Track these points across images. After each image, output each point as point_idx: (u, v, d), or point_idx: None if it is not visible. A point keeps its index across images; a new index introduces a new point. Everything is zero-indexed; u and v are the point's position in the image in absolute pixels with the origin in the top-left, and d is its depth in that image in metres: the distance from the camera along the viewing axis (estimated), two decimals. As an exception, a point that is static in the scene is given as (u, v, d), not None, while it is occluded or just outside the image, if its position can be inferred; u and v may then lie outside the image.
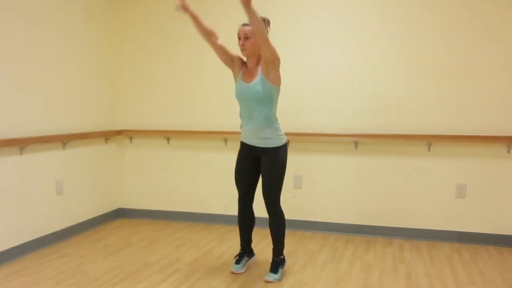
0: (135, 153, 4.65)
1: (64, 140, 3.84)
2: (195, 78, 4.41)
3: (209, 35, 2.96)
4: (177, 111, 4.46)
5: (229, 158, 4.14)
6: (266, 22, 2.94)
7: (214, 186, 4.40)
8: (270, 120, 2.94)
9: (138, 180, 4.66)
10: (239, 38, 2.89)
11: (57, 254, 3.53)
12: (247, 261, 3.24)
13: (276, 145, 2.95)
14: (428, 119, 3.85)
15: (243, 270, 3.17)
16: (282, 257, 3.10)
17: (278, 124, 3.01)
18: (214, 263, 3.35)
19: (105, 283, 2.96)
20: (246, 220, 3.20)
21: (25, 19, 3.48)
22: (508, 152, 3.73)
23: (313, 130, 4.08)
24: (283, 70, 3.89)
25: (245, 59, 3.02)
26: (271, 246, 3.14)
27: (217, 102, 4.30)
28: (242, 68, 3.02)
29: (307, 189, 4.18)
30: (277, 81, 2.88)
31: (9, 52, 3.35)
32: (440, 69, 3.81)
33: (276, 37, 4.11)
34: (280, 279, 3.01)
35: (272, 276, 3.00)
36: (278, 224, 3.04)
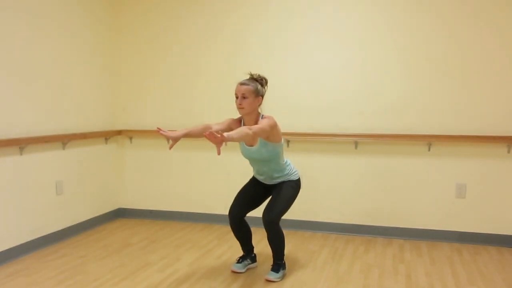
0: (135, 153, 4.64)
1: (64, 140, 3.84)
2: (195, 78, 4.41)
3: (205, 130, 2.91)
4: (177, 111, 4.46)
5: (229, 158, 4.15)
6: (264, 82, 2.97)
7: (214, 186, 4.40)
8: (281, 168, 3.04)
9: (138, 180, 4.66)
10: (237, 97, 2.90)
11: (57, 254, 3.53)
12: (249, 263, 3.25)
13: (291, 179, 3.07)
14: (428, 119, 3.85)
15: (243, 270, 3.18)
16: (283, 262, 3.11)
17: (289, 165, 3.09)
18: (214, 263, 3.35)
19: (105, 283, 2.96)
20: (242, 233, 3.20)
21: (26, 19, 3.48)
22: (508, 152, 3.73)
23: (313, 130, 4.08)
24: (283, 69, 3.90)
25: (239, 115, 3.02)
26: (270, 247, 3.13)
27: (217, 102, 4.29)
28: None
29: (307, 189, 4.16)
30: (278, 139, 2.94)
31: (9, 52, 3.35)
32: (440, 69, 3.81)
33: (276, 37, 4.13)
34: (280, 279, 3.02)
35: (273, 275, 3.01)
36: (277, 239, 3.03)
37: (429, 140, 3.84)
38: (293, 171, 3.11)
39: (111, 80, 4.54)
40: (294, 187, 3.07)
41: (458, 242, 3.86)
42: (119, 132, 4.55)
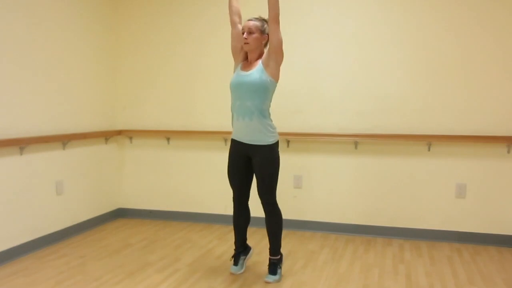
0: (135, 153, 4.64)
1: (64, 140, 3.84)
2: (195, 78, 4.41)
3: (235, 13, 3.06)
4: (177, 111, 4.46)
5: (229, 158, 4.15)
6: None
7: (214, 186, 4.40)
8: (263, 114, 2.90)
9: (138, 180, 4.66)
10: (243, 32, 2.93)
11: (57, 254, 3.53)
12: (245, 259, 3.23)
13: (268, 143, 2.91)
14: (428, 119, 3.85)
15: (242, 271, 3.17)
16: (279, 256, 3.08)
17: (271, 120, 2.98)
18: (214, 263, 3.35)
19: (105, 283, 2.96)
20: (242, 217, 3.18)
21: (25, 19, 3.48)
22: (508, 152, 3.73)
23: (313, 130, 4.08)
24: (283, 69, 3.88)
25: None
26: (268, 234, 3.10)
27: (217, 102, 4.30)
28: (244, 61, 3.05)
29: (307, 189, 4.18)
30: (275, 75, 2.90)
31: (9, 52, 3.35)
32: (440, 69, 3.81)
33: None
34: (279, 280, 3.01)
35: (271, 278, 3.00)
36: (275, 221, 3.02)
37: (429, 140, 3.84)
38: (273, 128, 2.95)
39: (111, 80, 4.54)
40: (274, 155, 2.93)
41: (458, 242, 3.86)
42: (119, 132, 4.55)
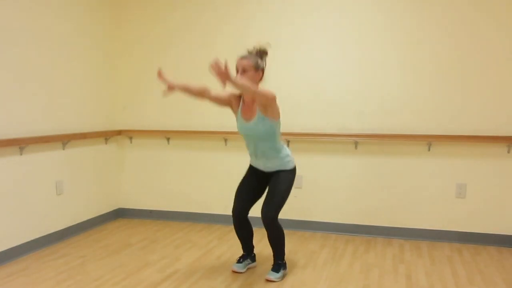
0: (135, 153, 4.64)
1: (64, 140, 3.84)
2: (195, 78, 4.39)
3: (201, 94, 2.92)
4: (177, 111, 4.46)
5: (229, 158, 4.15)
6: (264, 54, 2.96)
7: (214, 186, 4.40)
8: (277, 149, 2.97)
9: (138, 180, 4.66)
10: (237, 71, 2.88)
11: (57, 254, 3.53)
12: (249, 263, 3.25)
13: (287, 168, 2.99)
14: (428, 119, 3.85)
15: (244, 270, 3.18)
16: (284, 261, 3.10)
17: (285, 149, 3.03)
18: (214, 263, 3.35)
19: (105, 283, 2.96)
20: (245, 230, 3.19)
21: (25, 19, 3.48)
22: (508, 152, 3.73)
23: (313, 130, 4.08)
24: (283, 69, 3.90)
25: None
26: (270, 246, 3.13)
27: (217, 102, 4.29)
28: (240, 103, 3.01)
29: (307, 189, 4.18)
30: (276, 116, 2.89)
31: (8, 52, 3.35)
32: (440, 69, 3.81)
33: (276, 37, 4.12)
34: (281, 279, 3.01)
35: (274, 275, 3.00)
36: (277, 236, 3.01)
37: (429, 140, 3.84)
38: (289, 157, 3.02)
39: (111, 80, 4.53)
40: (290, 178, 3.00)
41: (458, 242, 3.86)
42: (119, 132, 4.55)
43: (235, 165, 4.08)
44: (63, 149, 3.88)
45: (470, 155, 3.81)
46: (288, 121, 4.06)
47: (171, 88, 2.80)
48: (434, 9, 3.79)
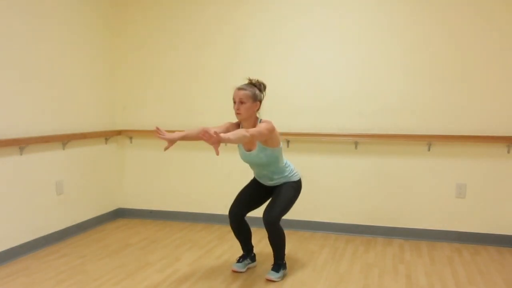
0: (135, 153, 4.64)
1: (64, 140, 3.84)
2: (195, 78, 4.41)
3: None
4: (177, 111, 4.46)
5: (229, 158, 4.14)
6: (262, 87, 2.97)
7: (214, 186, 4.40)
8: (281, 170, 3.03)
9: (138, 180, 4.66)
10: (234, 102, 2.90)
11: (57, 254, 3.53)
12: (249, 263, 3.25)
13: (290, 181, 3.06)
14: (428, 119, 3.85)
15: (244, 270, 3.18)
16: (284, 261, 3.10)
17: (289, 166, 3.08)
18: (214, 263, 3.35)
19: (105, 283, 2.96)
20: (243, 232, 3.20)
21: (25, 19, 3.48)
22: (508, 152, 3.73)
23: (313, 130, 4.08)
24: (283, 69, 3.90)
25: (237, 119, 3.03)
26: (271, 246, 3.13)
27: (217, 102, 4.29)
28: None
29: (307, 189, 4.15)
30: (276, 143, 2.93)
31: (9, 52, 3.35)
32: (440, 69, 3.81)
33: (276, 37, 4.13)
34: (281, 279, 3.02)
35: (274, 274, 3.00)
36: (278, 238, 3.02)
37: (429, 140, 3.84)
38: (294, 172, 3.10)
39: (111, 80, 4.54)
40: (294, 187, 3.07)
41: (458, 242, 3.86)
42: (119, 132, 4.55)
43: (235, 165, 4.08)
44: (63, 149, 3.88)
45: (470, 155, 3.81)
46: (288, 121, 4.07)
47: (171, 142, 2.88)
48: (434, 9, 3.79)
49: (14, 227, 3.43)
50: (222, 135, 2.44)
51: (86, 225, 4.19)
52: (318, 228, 4.17)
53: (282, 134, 3.14)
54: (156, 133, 2.85)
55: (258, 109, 2.95)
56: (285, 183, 3.05)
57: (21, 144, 3.39)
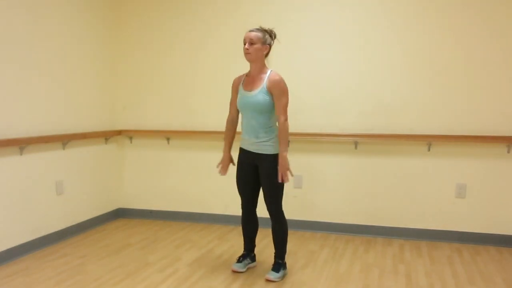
0: (135, 153, 4.64)
1: (64, 140, 3.84)
2: (195, 78, 4.41)
3: (236, 124, 3.21)
4: (177, 111, 4.46)
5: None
6: (273, 34, 3.02)
7: (214, 186, 4.40)
8: (269, 130, 2.98)
9: (138, 180, 4.65)
10: (245, 43, 2.94)
11: (57, 254, 3.53)
12: (249, 263, 3.25)
13: (272, 152, 2.97)
14: (428, 119, 3.85)
15: (244, 270, 3.18)
16: (284, 261, 3.10)
17: (274, 132, 3.01)
18: (214, 263, 3.35)
19: (105, 283, 2.96)
20: (250, 224, 3.21)
21: (26, 19, 3.48)
22: (508, 152, 3.73)
23: (313, 130, 4.08)
24: (283, 69, 3.89)
25: (239, 74, 3.09)
26: (272, 246, 3.14)
27: (217, 102, 4.29)
28: (242, 79, 3.07)
29: (307, 189, 4.18)
30: (278, 102, 2.95)
31: (9, 52, 3.35)
32: (440, 69, 3.81)
33: (276, 36, 4.12)
34: (281, 279, 3.01)
35: (274, 275, 3.00)
36: (281, 229, 3.04)
37: (429, 140, 3.84)
38: (275, 140, 2.98)
39: (111, 80, 4.54)
40: (274, 165, 2.94)
41: (458, 242, 3.86)
42: (119, 132, 4.55)
43: (236, 172, 4.08)
44: (63, 149, 3.88)
45: (470, 155, 3.81)
46: (289, 121, 4.06)
47: (230, 161, 3.21)
48: (434, 9, 3.79)
49: (14, 227, 3.43)
50: (283, 154, 2.87)
51: (86, 225, 4.19)
52: (318, 228, 4.17)
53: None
54: (221, 172, 3.19)
55: (267, 54, 2.99)
56: (268, 159, 2.94)
57: (21, 144, 3.39)
